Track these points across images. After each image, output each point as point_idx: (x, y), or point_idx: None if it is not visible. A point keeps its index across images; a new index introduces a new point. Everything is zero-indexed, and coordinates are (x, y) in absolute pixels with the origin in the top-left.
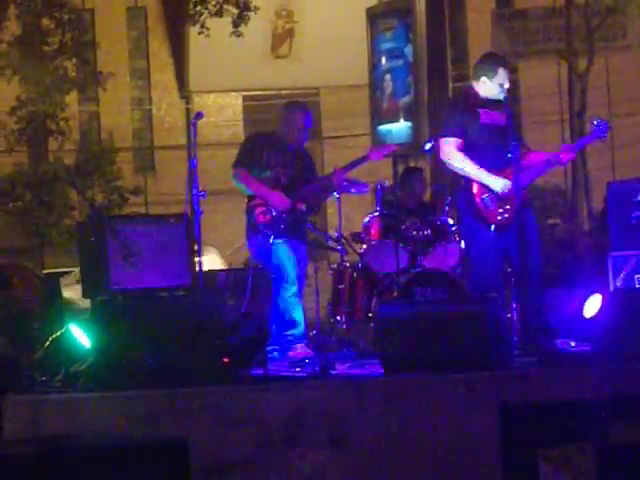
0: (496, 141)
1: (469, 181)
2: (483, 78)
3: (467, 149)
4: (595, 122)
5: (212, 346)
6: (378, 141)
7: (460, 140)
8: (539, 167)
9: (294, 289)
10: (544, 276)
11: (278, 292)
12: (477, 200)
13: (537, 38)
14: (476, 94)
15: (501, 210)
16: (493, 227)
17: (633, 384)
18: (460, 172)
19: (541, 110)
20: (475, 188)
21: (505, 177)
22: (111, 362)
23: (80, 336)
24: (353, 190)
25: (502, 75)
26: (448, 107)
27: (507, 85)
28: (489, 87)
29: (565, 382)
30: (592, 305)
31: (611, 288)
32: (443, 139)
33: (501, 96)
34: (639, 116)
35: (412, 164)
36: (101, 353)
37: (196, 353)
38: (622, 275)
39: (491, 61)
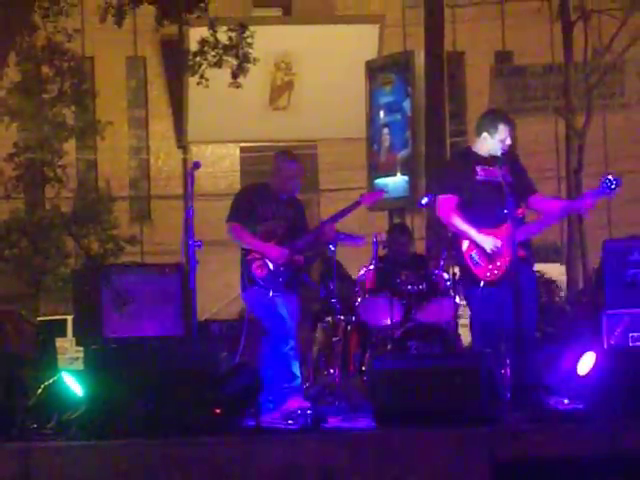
0: (495, 198)
1: (459, 238)
2: (484, 134)
3: (464, 206)
4: (606, 177)
5: (205, 396)
6: None
7: (456, 197)
8: (545, 220)
9: (292, 342)
10: (539, 333)
11: (276, 345)
12: (465, 257)
13: (535, 95)
14: (475, 151)
15: (490, 267)
16: (482, 284)
17: (626, 443)
18: (454, 229)
19: (538, 166)
20: (464, 245)
21: (503, 233)
22: (103, 411)
23: (73, 384)
24: (348, 242)
25: (503, 131)
26: (446, 164)
27: (509, 142)
28: (490, 143)
29: (558, 440)
30: (586, 363)
31: (605, 346)
32: (440, 196)
33: (501, 152)
34: (636, 174)
35: (408, 218)
36: (93, 401)
37: (188, 403)
38: (616, 333)
39: (492, 117)
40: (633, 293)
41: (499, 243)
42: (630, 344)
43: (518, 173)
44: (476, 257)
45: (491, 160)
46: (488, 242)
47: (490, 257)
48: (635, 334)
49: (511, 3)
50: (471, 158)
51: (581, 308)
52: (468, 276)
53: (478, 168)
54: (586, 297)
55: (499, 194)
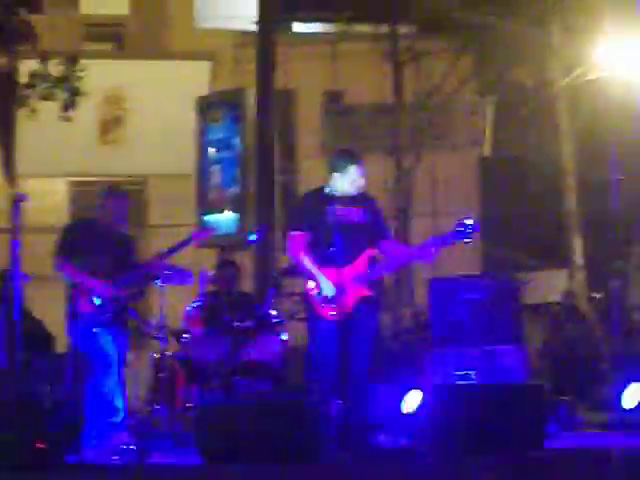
0: (346, 237)
1: (308, 277)
2: (335, 174)
3: (314, 244)
4: (462, 222)
5: (27, 430)
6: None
7: (305, 235)
8: (393, 262)
9: (116, 377)
10: (368, 372)
11: (100, 379)
12: (310, 295)
13: (365, 134)
14: (328, 190)
15: (333, 306)
16: (324, 321)
17: (449, 477)
18: (300, 268)
19: None
20: (310, 284)
21: (351, 273)
22: None
23: None
24: (176, 281)
25: (353, 172)
26: (298, 201)
27: (360, 182)
28: (340, 183)
29: (382, 477)
30: (411, 400)
31: (431, 384)
32: (289, 233)
33: (354, 192)
34: (462, 215)
35: (237, 255)
36: None
37: (10, 437)
38: (442, 371)
39: (343, 157)
40: (458, 332)
41: (333, 291)
42: (455, 381)
43: (372, 215)
44: (319, 298)
45: (344, 200)
46: (328, 288)
47: (330, 299)
48: (460, 372)
49: (343, 43)
50: (324, 197)
51: (407, 346)
52: (312, 312)
53: (330, 207)
54: (412, 336)
55: (350, 234)
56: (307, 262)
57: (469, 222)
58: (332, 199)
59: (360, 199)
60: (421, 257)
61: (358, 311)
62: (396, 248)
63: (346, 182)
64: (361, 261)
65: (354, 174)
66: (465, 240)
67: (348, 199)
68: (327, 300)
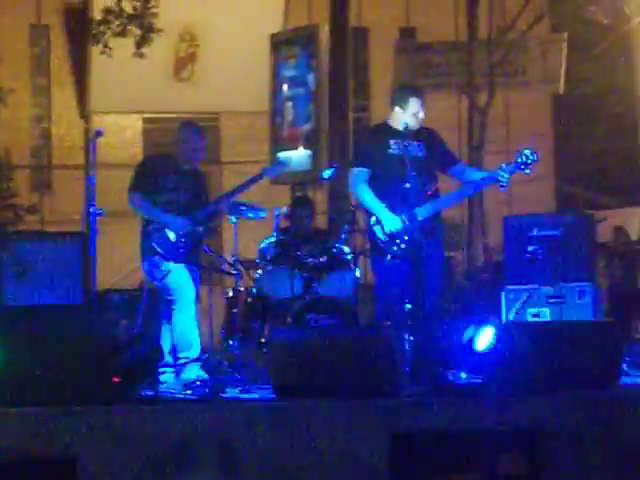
0: (408, 171)
1: (369, 213)
2: (396, 108)
3: (376, 180)
4: (522, 152)
5: (103, 365)
6: None
7: (366, 170)
8: (461, 192)
9: (191, 312)
10: (438, 308)
11: (175, 314)
12: (373, 231)
13: (438, 72)
14: (390, 124)
15: (397, 241)
16: (388, 257)
17: (521, 416)
18: (362, 203)
19: None
20: (372, 220)
21: (411, 208)
22: (1, 378)
23: None
24: (250, 215)
25: (414, 105)
26: (360, 137)
27: (421, 115)
28: (402, 117)
29: (455, 413)
30: (484, 338)
31: (504, 321)
32: (352, 169)
33: (415, 126)
34: (535, 153)
35: (310, 192)
36: None
37: (86, 372)
38: (515, 308)
39: (404, 91)
40: (532, 269)
41: (399, 225)
42: (528, 319)
43: (436, 146)
44: (382, 232)
45: (406, 134)
46: (388, 222)
47: (394, 234)
48: (533, 310)
49: None
50: (386, 131)
51: (481, 284)
52: (375, 249)
53: (392, 142)
54: (485, 274)
55: (417, 168)
56: (369, 197)
57: (528, 152)
58: (394, 133)
59: (421, 133)
60: (492, 181)
61: (424, 246)
62: (468, 172)
63: (408, 115)
64: (423, 195)
65: (415, 107)
66: (526, 170)
67: (410, 133)
68: (390, 235)
